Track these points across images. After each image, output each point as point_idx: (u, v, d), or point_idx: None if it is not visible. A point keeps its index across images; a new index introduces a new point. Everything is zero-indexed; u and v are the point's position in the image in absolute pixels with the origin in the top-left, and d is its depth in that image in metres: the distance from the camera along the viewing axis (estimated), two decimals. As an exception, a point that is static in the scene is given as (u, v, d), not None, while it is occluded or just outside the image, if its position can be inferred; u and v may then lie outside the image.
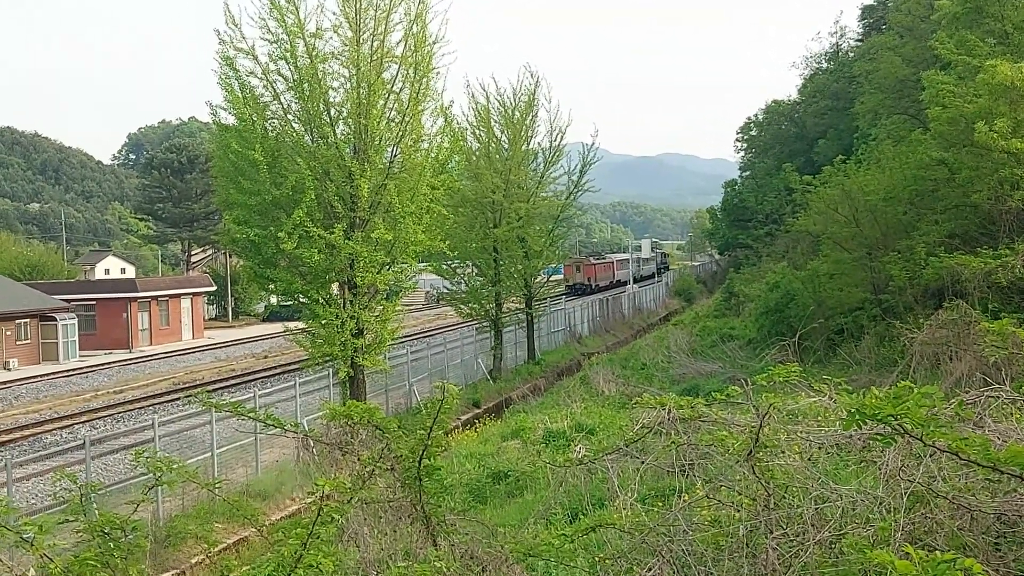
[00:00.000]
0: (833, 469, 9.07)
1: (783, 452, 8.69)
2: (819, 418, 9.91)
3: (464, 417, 37.49)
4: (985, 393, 8.74)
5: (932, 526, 6.69)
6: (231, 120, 31.51)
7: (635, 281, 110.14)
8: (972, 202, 29.72)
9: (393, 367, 37.22)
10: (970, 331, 20.84)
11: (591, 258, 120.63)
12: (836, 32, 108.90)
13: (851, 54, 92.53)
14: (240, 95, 30.81)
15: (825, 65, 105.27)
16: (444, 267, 48.53)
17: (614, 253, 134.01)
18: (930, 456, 6.84)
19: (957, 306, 24.77)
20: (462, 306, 49.83)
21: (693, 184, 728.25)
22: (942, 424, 6.15)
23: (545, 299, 57.00)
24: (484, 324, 50.02)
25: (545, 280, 56.03)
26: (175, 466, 9.39)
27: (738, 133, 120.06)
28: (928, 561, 4.47)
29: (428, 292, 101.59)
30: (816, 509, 7.50)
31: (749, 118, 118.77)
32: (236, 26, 30.54)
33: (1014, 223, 28.56)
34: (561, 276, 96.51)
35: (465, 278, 49.81)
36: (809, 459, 8.77)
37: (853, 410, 5.92)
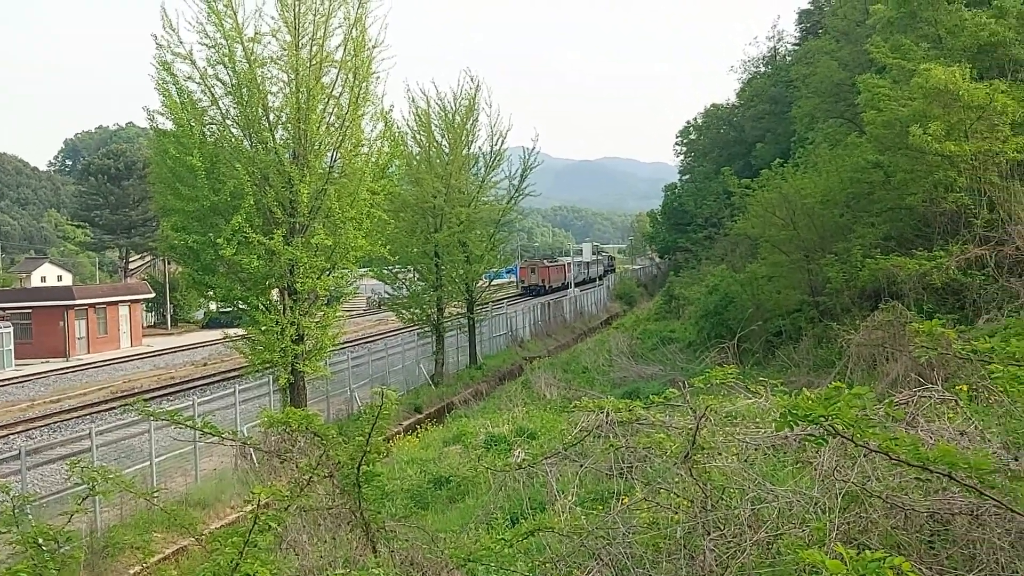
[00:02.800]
0: (770, 470, 9.10)
1: (720, 454, 8.75)
2: (756, 420, 9.98)
3: (406, 423, 37.40)
4: (918, 393, 8.84)
5: (866, 525, 6.75)
6: (169, 125, 31.23)
7: (588, 282, 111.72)
8: (907, 205, 30.11)
9: (334, 373, 37.03)
10: (905, 332, 21.08)
11: (545, 260, 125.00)
12: (774, 36, 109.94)
13: (788, 58, 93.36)
14: (178, 100, 30.54)
15: (763, 69, 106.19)
16: (385, 272, 48.44)
17: (564, 256, 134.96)
18: (864, 456, 6.90)
19: (893, 307, 25.09)
20: (404, 311, 49.71)
21: (634, 188, 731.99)
22: (873, 424, 6.21)
23: (487, 303, 56.93)
24: (426, 329, 49.90)
25: (487, 284, 56.01)
26: (111, 476, 9.29)
27: (678, 137, 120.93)
28: (858, 560, 4.52)
29: (369, 297, 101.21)
30: (753, 510, 7.54)
31: (689, 122, 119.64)
32: (173, 31, 30.28)
33: (948, 225, 28.95)
34: (504, 280, 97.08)
35: (406, 283, 49.70)
36: (746, 460, 8.82)
37: (785, 411, 5.97)
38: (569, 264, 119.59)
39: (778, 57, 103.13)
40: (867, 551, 4.76)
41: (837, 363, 25.95)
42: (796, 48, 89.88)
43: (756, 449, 9.13)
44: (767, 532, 7.17)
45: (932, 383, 10.15)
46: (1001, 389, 7.53)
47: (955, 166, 27.98)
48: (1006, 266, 26.69)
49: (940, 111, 28.46)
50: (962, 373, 12.14)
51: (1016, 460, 6.88)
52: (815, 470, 7.66)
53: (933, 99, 28.74)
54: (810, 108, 55.46)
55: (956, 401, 8.73)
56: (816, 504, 7.18)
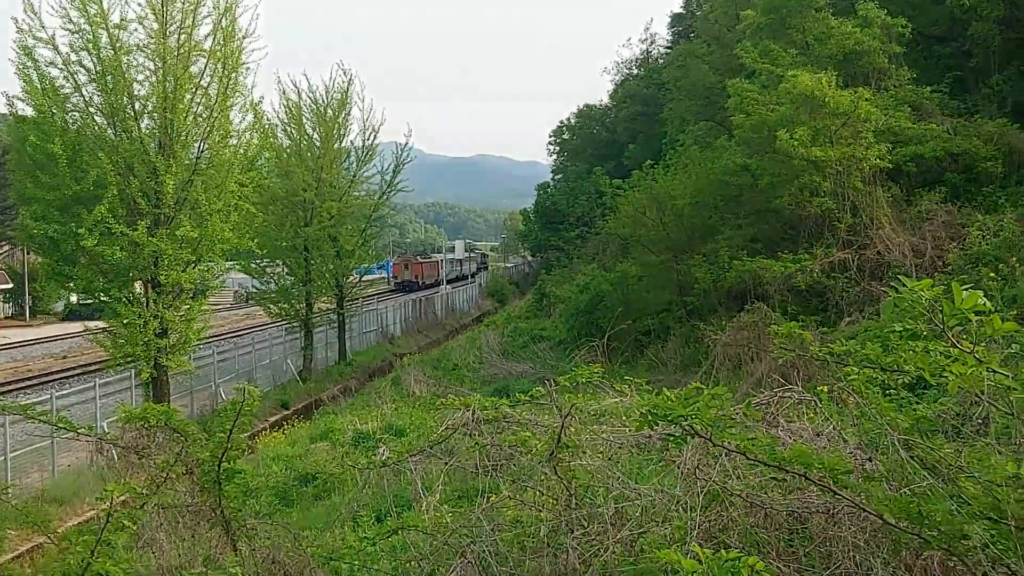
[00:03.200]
0: (634, 469, 9.16)
1: (586, 452, 8.77)
2: (621, 418, 10.03)
3: (273, 419, 36.95)
4: (778, 394, 8.97)
5: (727, 523, 6.82)
6: (29, 112, 30.33)
7: (461, 279, 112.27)
8: (774, 207, 30.69)
9: (199, 368, 36.45)
10: (769, 334, 21.48)
11: (418, 257, 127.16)
12: (647, 39, 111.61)
13: (660, 61, 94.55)
14: (39, 86, 29.67)
15: (636, 71, 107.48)
16: (253, 266, 47.82)
17: (437, 253, 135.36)
18: (725, 456, 6.97)
19: (758, 308, 25.60)
20: (272, 306, 49.17)
21: (507, 186, 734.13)
22: (732, 424, 6.28)
23: (358, 299, 56.59)
24: (294, 324, 49.39)
25: (358, 280, 55.66)
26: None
27: (551, 136, 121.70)
28: (714, 560, 4.54)
29: (237, 291, 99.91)
30: (616, 508, 7.57)
31: (562, 122, 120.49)
32: (35, 14, 29.43)
33: (813, 228, 29.60)
34: (375, 276, 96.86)
35: (275, 277, 49.11)
36: (611, 459, 8.85)
37: (646, 411, 5.99)
38: (443, 260, 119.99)
39: (651, 60, 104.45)
40: (726, 550, 4.79)
41: (704, 362, 26.33)
42: (668, 51, 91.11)
43: (621, 448, 9.18)
44: (630, 530, 7.21)
45: (794, 384, 10.32)
46: (856, 391, 7.68)
47: (820, 171, 28.61)
48: (868, 270, 27.43)
49: (807, 117, 29.11)
50: (823, 375, 12.40)
51: (870, 460, 7.02)
52: (678, 469, 7.72)
53: (800, 105, 29.38)
54: (681, 110, 56.27)
55: (816, 402, 8.88)
56: (678, 502, 7.24)
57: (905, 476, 6.51)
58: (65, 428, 10.86)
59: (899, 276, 5.93)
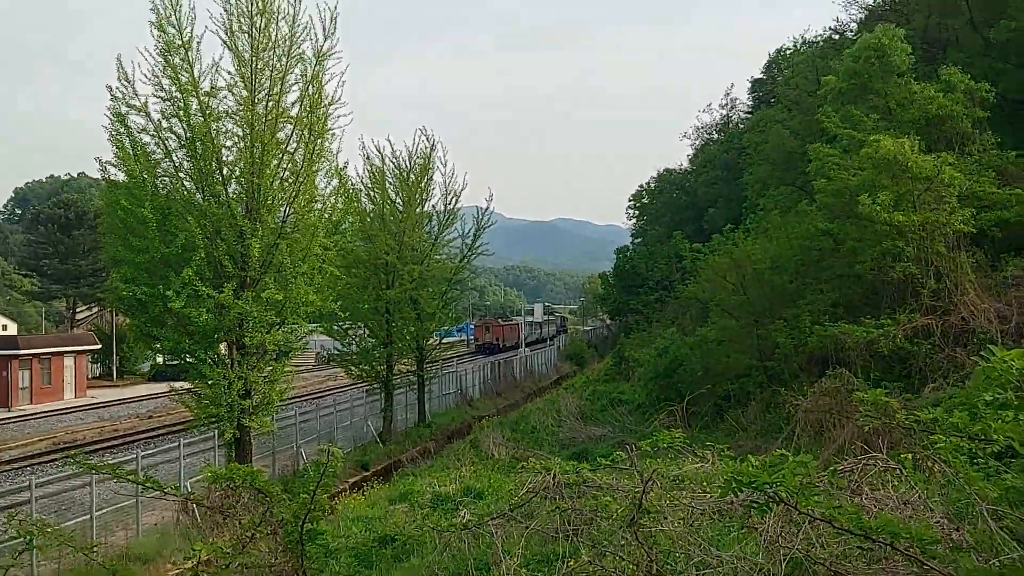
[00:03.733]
0: (716, 535, 9.10)
1: (666, 518, 8.74)
2: (702, 484, 9.98)
3: (352, 480, 37.06)
4: (863, 461, 8.89)
5: (810, 593, 6.76)
6: (121, 176, 30.93)
7: (539, 342, 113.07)
8: (856, 272, 30.44)
9: (281, 429, 36.71)
10: (852, 399, 21.20)
11: (499, 320, 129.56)
12: (726, 104, 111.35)
13: (741, 126, 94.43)
14: (131, 152, 30.32)
15: (716, 136, 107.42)
16: (336, 328, 48.19)
17: (517, 316, 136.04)
18: (808, 523, 6.92)
19: (840, 374, 25.29)
20: (353, 367, 49.47)
21: (586, 249, 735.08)
22: (817, 492, 6.25)
23: (437, 361, 56.75)
24: (375, 386, 49.64)
25: (438, 342, 55.85)
26: (49, 529, 9.14)
27: (630, 200, 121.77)
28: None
29: (319, 353, 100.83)
30: (698, 575, 7.53)
31: (641, 186, 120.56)
32: (129, 83, 30.13)
33: (895, 294, 29.28)
34: (455, 339, 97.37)
35: (356, 339, 49.44)
36: (692, 525, 8.82)
37: (730, 477, 5.99)
38: (522, 323, 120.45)
39: (731, 124, 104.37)
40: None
41: (785, 428, 26.05)
42: (749, 116, 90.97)
43: (702, 514, 9.14)
44: (712, 598, 7.17)
45: (877, 451, 10.21)
46: (943, 459, 7.59)
47: (903, 236, 28.36)
48: (952, 335, 27.03)
49: (889, 181, 28.91)
50: (907, 441, 12.24)
51: (958, 530, 6.93)
52: (760, 536, 7.67)
53: (882, 169, 29.20)
54: (762, 175, 56.08)
55: (900, 470, 8.78)
56: (760, 570, 7.19)
57: (994, 547, 6.42)
58: (152, 487, 11.03)
59: (988, 346, 5.87)
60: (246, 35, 31.44)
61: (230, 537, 10.13)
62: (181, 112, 30.32)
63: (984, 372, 5.49)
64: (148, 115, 30.50)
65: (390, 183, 49.80)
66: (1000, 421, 6.16)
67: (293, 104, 32.43)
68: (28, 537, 8.74)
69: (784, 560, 6.97)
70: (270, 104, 31.69)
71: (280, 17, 31.99)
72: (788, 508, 6.46)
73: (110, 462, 14.14)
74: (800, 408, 24.93)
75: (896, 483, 8.80)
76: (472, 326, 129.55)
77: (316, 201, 33.88)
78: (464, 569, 14.44)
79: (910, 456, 9.07)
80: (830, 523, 6.01)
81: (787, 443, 22.04)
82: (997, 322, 26.45)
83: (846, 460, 9.88)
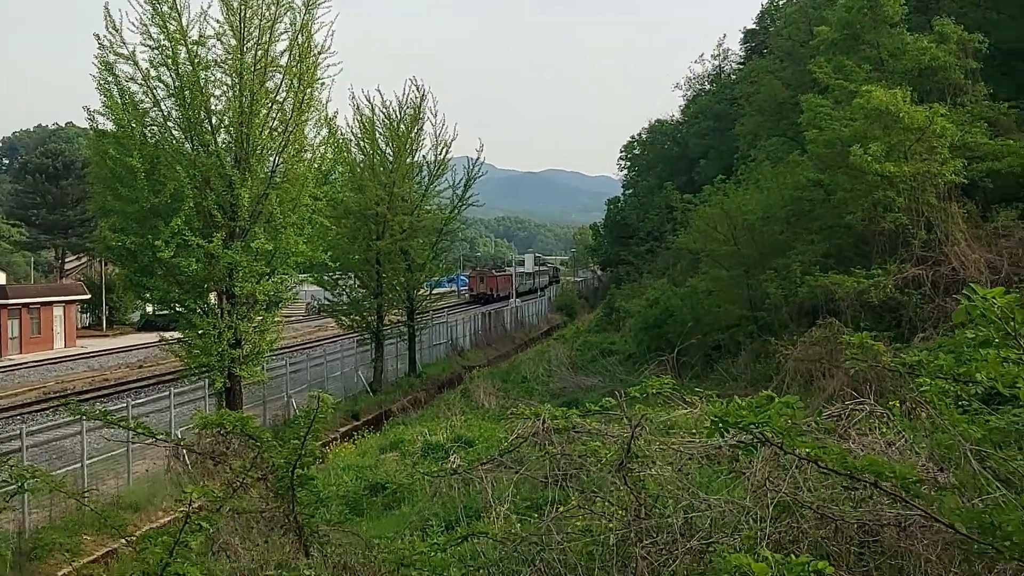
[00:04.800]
0: (704, 480, 9.15)
1: (655, 463, 8.77)
2: (691, 430, 10.02)
3: (343, 429, 37.23)
4: (850, 406, 8.94)
5: (797, 535, 6.81)
6: (109, 126, 30.86)
7: (531, 293, 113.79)
8: (846, 223, 30.41)
9: (271, 379, 36.81)
10: (841, 348, 21.28)
11: (493, 270, 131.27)
12: (719, 55, 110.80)
13: (733, 76, 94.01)
14: (119, 101, 30.21)
15: (708, 87, 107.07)
16: (326, 278, 48.19)
17: (511, 267, 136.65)
18: (796, 467, 6.96)
19: (830, 324, 25.33)
20: (343, 318, 49.58)
21: (577, 201, 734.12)
22: (803, 434, 6.29)
23: (428, 312, 56.84)
24: (365, 336, 49.77)
25: (428, 293, 55.90)
26: (40, 474, 9.17)
27: (622, 151, 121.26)
28: (783, 564, 4.56)
29: (309, 303, 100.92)
30: (686, 518, 7.58)
31: (633, 137, 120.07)
32: (117, 31, 30.00)
33: (886, 244, 29.26)
34: (445, 289, 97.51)
35: (347, 290, 49.49)
36: (680, 470, 8.85)
37: (717, 418, 6.02)
38: (516, 273, 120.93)
39: (723, 75, 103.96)
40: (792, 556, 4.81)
41: (775, 378, 26.08)
42: (741, 67, 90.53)
43: (690, 459, 9.18)
44: (699, 540, 7.22)
45: (866, 398, 10.26)
46: (929, 402, 7.64)
47: (894, 186, 28.32)
48: (942, 286, 27.06)
49: (880, 132, 28.83)
50: (895, 388, 12.30)
51: (942, 472, 6.99)
52: (748, 480, 7.71)
53: (874, 120, 29.11)
54: (753, 126, 55.87)
55: (888, 415, 8.83)
56: (748, 513, 7.23)
57: (978, 487, 6.48)
58: (144, 434, 11.05)
59: (971, 284, 5.89)
60: (235, -18, 31.27)
61: (221, 483, 10.16)
62: (169, 61, 30.21)
63: (967, 310, 5.50)
64: (136, 64, 30.43)
65: (380, 133, 49.67)
66: (984, 361, 6.18)
67: (282, 53, 32.38)
68: (20, 481, 8.77)
69: (772, 503, 7.02)
70: (259, 53, 31.56)
71: (269, -36, 31.80)
72: (775, 451, 6.50)
73: (101, 409, 14.15)
74: (790, 357, 24.99)
75: (883, 429, 8.85)
76: (464, 277, 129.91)
77: (306, 151, 33.86)
78: (454, 515, 14.55)
79: (897, 403, 9.12)
80: (816, 463, 6.05)
81: (777, 392, 22.11)
82: (988, 272, 26.47)
83: (834, 406, 9.92)
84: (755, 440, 6.21)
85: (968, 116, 31.90)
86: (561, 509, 9.11)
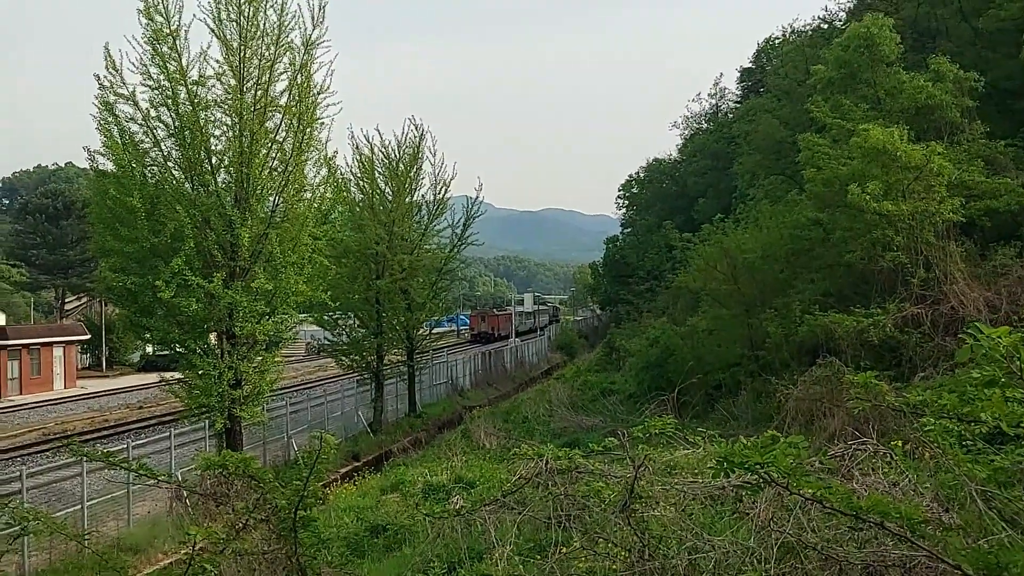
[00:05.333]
0: (708, 521, 9.13)
1: (658, 503, 8.77)
2: (694, 470, 10.01)
3: (343, 470, 37.13)
4: (853, 446, 8.94)
5: (801, 576, 6.80)
6: (109, 166, 30.86)
7: (531, 332, 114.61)
8: (846, 262, 30.50)
9: (271, 419, 36.74)
10: (842, 387, 21.27)
11: (495, 310, 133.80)
12: (715, 94, 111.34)
13: (730, 115, 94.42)
14: (119, 141, 30.24)
15: (705, 125, 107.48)
16: (326, 318, 48.17)
17: (511, 306, 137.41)
18: (800, 508, 6.96)
19: (831, 363, 25.33)
20: (343, 357, 49.49)
21: (576, 240, 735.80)
22: (807, 473, 6.29)
23: (427, 351, 56.79)
24: (365, 376, 49.68)
25: (428, 332, 55.87)
26: (42, 516, 9.15)
27: (620, 191, 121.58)
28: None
29: (309, 343, 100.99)
30: (690, 560, 7.57)
31: (631, 176, 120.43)
32: (116, 71, 30.06)
33: (885, 283, 29.34)
34: (444, 329, 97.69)
35: (347, 329, 49.48)
36: (684, 510, 8.84)
37: (722, 458, 6.02)
38: (517, 313, 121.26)
39: (720, 114, 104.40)
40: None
41: (775, 417, 26.05)
42: (738, 105, 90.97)
43: (694, 499, 9.17)
44: (704, 582, 7.20)
45: (868, 437, 10.25)
46: (933, 442, 7.64)
47: (892, 225, 28.42)
48: (941, 325, 27.09)
49: (878, 171, 28.97)
50: (897, 428, 12.29)
51: (947, 511, 6.98)
52: (752, 521, 7.70)
53: (872, 159, 29.25)
54: (752, 164, 56.12)
55: (890, 455, 8.82)
56: (752, 554, 7.22)
57: (983, 528, 6.47)
58: (146, 475, 11.05)
59: (975, 323, 5.91)
60: (234, 23, 31.40)
61: (224, 524, 10.14)
62: (169, 101, 30.27)
63: (971, 349, 5.51)
64: (136, 104, 30.44)
65: (379, 172, 49.85)
66: (988, 401, 6.19)
67: (282, 93, 32.43)
68: (23, 523, 8.75)
69: (776, 544, 7.01)
70: (259, 93, 31.65)
71: (268, 5, 31.96)
72: (779, 492, 6.49)
73: (102, 450, 14.12)
74: (791, 397, 24.95)
75: (886, 469, 8.84)
76: (463, 317, 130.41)
77: (305, 190, 33.89)
78: (456, 557, 14.47)
79: (900, 443, 9.11)
80: (821, 503, 6.04)
81: (778, 432, 22.06)
82: (987, 311, 26.52)
83: (837, 446, 9.91)
84: (760, 480, 6.20)
85: (965, 154, 32.05)
86: (564, 551, 9.09)
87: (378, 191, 49.65)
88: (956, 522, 6.73)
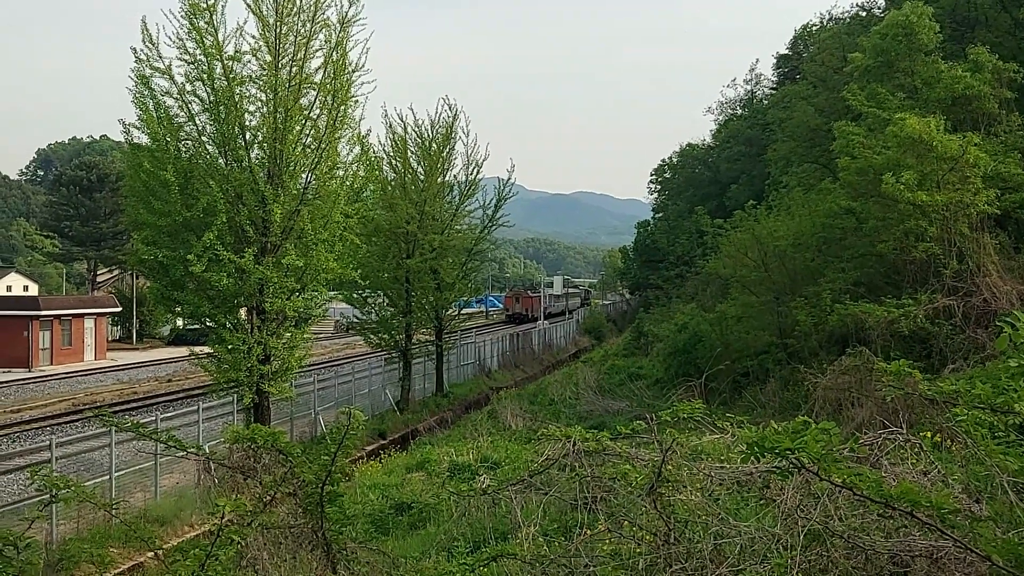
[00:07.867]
0: (734, 506, 9.12)
1: (685, 488, 8.75)
2: (721, 456, 9.99)
3: (370, 448, 37.24)
4: (882, 435, 8.89)
5: (827, 564, 6.77)
6: (144, 139, 30.93)
7: (560, 315, 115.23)
8: (878, 251, 30.30)
9: (299, 395, 36.87)
10: (871, 377, 21.17)
11: (529, 291, 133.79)
12: (751, 80, 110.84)
13: (765, 102, 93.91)
14: (154, 114, 30.31)
15: (740, 111, 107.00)
16: (355, 296, 48.27)
17: (545, 287, 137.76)
18: (827, 495, 6.93)
19: (860, 353, 25.17)
20: (372, 336, 49.49)
21: (607, 223, 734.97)
22: (838, 460, 6.25)
23: (456, 332, 56.81)
24: (393, 355, 49.75)
25: (457, 313, 55.90)
26: (72, 484, 9.20)
27: (652, 175, 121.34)
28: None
29: (338, 320, 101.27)
30: (715, 545, 7.56)
31: (664, 160, 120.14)
32: (153, 45, 30.11)
33: (917, 274, 29.14)
34: (473, 310, 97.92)
35: (376, 308, 49.52)
36: (710, 495, 8.83)
37: (752, 443, 5.99)
38: (542, 296, 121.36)
39: (755, 100, 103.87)
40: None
41: (803, 406, 25.95)
42: (773, 92, 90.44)
43: (720, 484, 9.16)
44: (729, 568, 7.19)
45: (897, 427, 10.19)
46: (964, 433, 7.58)
47: (926, 216, 28.21)
48: (973, 317, 26.91)
49: (913, 160, 28.74)
50: (927, 418, 12.22)
51: (978, 503, 6.93)
52: (778, 507, 7.68)
53: (907, 148, 29.01)
54: (785, 151, 55.75)
55: (920, 445, 8.78)
56: (778, 541, 7.20)
57: (1015, 519, 6.43)
58: (174, 447, 11.11)
59: (1014, 311, 5.85)
60: None
61: (251, 497, 10.19)
62: (205, 76, 30.30)
63: (1010, 337, 5.45)
64: (172, 78, 30.48)
65: (412, 152, 49.72)
66: (1021, 390, 6.13)
67: (317, 70, 32.42)
68: (53, 490, 8.80)
69: (802, 532, 6.98)
70: (294, 70, 31.67)
71: (305, -18, 31.96)
72: (807, 479, 6.47)
73: (133, 421, 14.23)
74: (819, 386, 24.84)
75: (915, 459, 8.80)
76: (493, 298, 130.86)
77: (338, 168, 33.90)
78: (481, 536, 14.52)
79: (929, 433, 9.07)
80: (851, 490, 6.01)
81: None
82: (1019, 304, 26.30)
83: (866, 435, 9.87)
84: (789, 466, 6.17)
85: (1002, 146, 31.76)
86: (590, 532, 9.10)
87: (410, 170, 49.57)
88: (986, 513, 6.68)
